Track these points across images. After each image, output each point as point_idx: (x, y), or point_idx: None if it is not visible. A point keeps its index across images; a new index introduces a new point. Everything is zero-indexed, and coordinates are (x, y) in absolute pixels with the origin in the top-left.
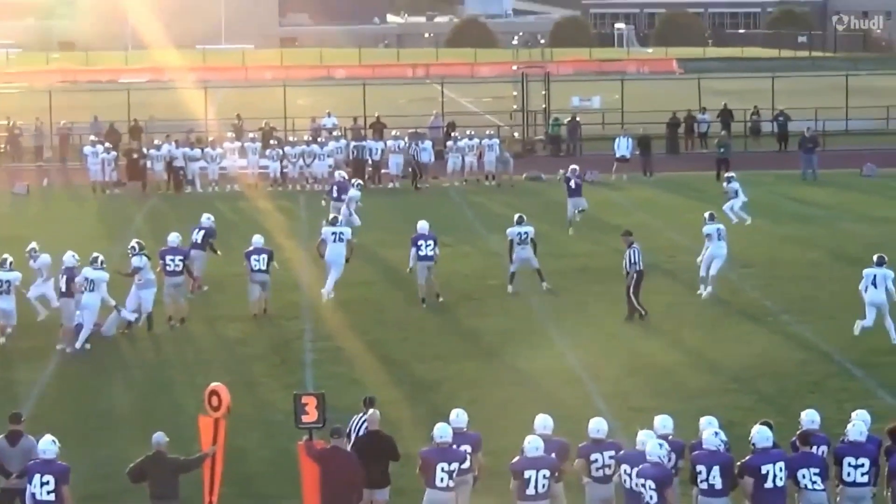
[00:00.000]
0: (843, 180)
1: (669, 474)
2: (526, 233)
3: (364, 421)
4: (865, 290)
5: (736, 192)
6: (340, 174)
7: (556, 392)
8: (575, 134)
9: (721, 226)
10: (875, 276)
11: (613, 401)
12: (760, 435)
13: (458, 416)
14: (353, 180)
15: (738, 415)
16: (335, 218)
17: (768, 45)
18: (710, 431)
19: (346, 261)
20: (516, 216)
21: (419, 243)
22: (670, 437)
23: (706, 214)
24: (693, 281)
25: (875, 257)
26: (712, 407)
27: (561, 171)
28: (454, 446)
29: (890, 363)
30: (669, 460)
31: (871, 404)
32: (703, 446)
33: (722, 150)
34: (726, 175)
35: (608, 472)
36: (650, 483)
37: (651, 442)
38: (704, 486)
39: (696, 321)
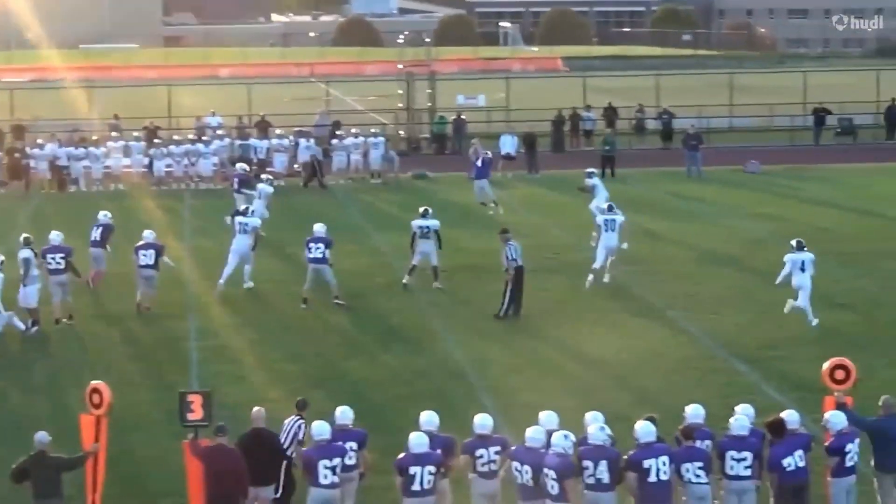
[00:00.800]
0: (727, 177)
1: (571, 466)
2: (429, 227)
3: (297, 424)
4: (790, 275)
5: (598, 188)
6: (242, 167)
7: (443, 388)
8: (460, 132)
9: (615, 217)
10: (802, 261)
11: (499, 397)
12: (644, 430)
13: (343, 413)
14: (264, 176)
15: (624, 410)
16: (246, 209)
17: (653, 43)
18: (595, 426)
19: (251, 250)
20: (421, 209)
21: (309, 245)
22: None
23: (605, 206)
24: (576, 277)
25: (794, 242)
26: (598, 402)
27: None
28: (340, 443)
29: (773, 357)
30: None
31: (755, 399)
32: (590, 441)
33: (607, 147)
34: (587, 171)
35: (493, 467)
36: (552, 474)
37: (556, 433)
38: (591, 480)
39: (581, 317)
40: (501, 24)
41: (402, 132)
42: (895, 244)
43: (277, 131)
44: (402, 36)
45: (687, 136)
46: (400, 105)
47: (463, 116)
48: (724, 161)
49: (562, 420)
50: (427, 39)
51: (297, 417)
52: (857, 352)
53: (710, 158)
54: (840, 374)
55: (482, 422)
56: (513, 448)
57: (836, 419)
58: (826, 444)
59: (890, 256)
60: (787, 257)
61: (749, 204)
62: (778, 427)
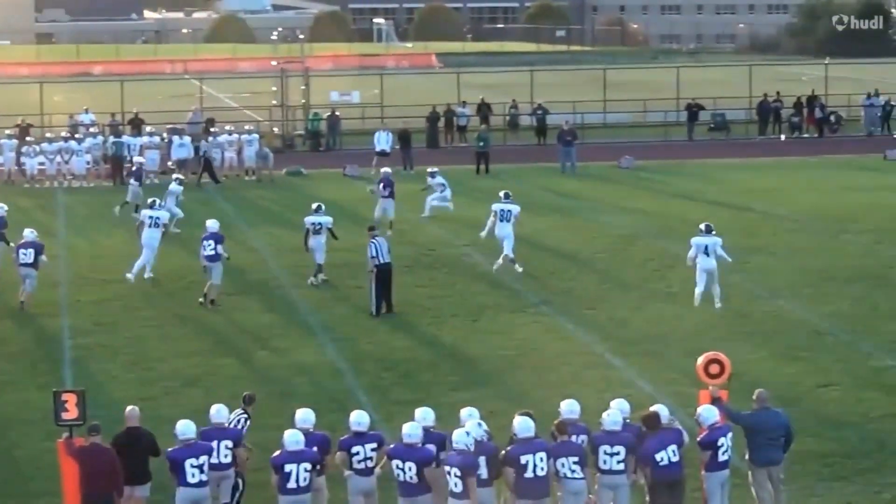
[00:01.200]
0: (601, 173)
1: (475, 463)
2: (321, 223)
3: (241, 417)
4: (695, 259)
5: (443, 186)
6: (139, 161)
7: (318, 385)
8: (335, 129)
9: (509, 206)
10: (706, 245)
11: (374, 394)
12: (522, 425)
13: (218, 412)
14: (174, 175)
15: (500, 405)
16: (154, 201)
17: (527, 39)
18: (472, 423)
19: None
20: (314, 205)
21: (203, 243)
22: (432, 430)
23: (502, 194)
24: (452, 273)
25: (703, 226)
26: (473, 398)
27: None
28: (209, 441)
29: (648, 352)
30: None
31: (631, 393)
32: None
33: (481, 143)
34: (430, 170)
35: (370, 464)
36: (455, 471)
37: (457, 431)
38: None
39: (455, 314)
40: (375, 20)
41: (276, 129)
42: (767, 239)
43: (148, 129)
44: (275, 32)
45: (561, 131)
46: (274, 102)
47: (337, 113)
48: (599, 157)
49: (437, 416)
50: (301, 36)
51: (242, 412)
52: (731, 346)
53: (584, 154)
54: (715, 369)
55: (358, 419)
56: (391, 446)
57: (708, 413)
58: (699, 438)
59: (762, 251)
60: (693, 240)
61: (623, 199)
62: (652, 421)
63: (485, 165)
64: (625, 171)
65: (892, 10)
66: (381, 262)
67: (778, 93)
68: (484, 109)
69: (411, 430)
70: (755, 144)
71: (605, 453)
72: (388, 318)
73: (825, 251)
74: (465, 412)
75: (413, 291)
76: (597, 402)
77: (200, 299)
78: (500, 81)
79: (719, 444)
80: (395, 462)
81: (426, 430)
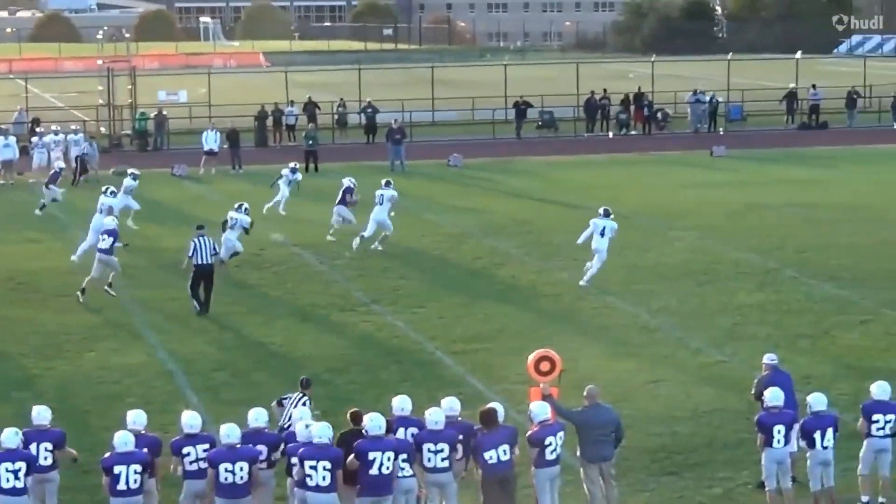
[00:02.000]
0: (430, 171)
1: (340, 455)
2: (237, 220)
3: (304, 400)
4: (590, 238)
5: (289, 182)
6: (59, 165)
7: (148, 386)
8: (162, 128)
9: (386, 192)
10: (604, 227)
11: (205, 394)
12: (372, 423)
13: (40, 413)
14: (129, 170)
15: (331, 405)
16: (106, 188)
17: (354, 38)
18: (301, 425)
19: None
20: (237, 204)
21: (100, 237)
22: (266, 431)
23: (383, 182)
24: (282, 273)
25: (601, 210)
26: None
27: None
28: (33, 444)
29: (479, 350)
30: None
31: (462, 391)
32: (299, 439)
33: (311, 142)
34: (290, 166)
35: (203, 465)
36: (324, 464)
37: (317, 425)
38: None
39: (287, 313)
40: (202, 19)
41: (103, 129)
42: None
43: None
44: (101, 32)
45: (390, 129)
46: (101, 101)
47: (165, 112)
48: (427, 155)
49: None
50: (127, 35)
51: (301, 394)
52: (562, 343)
53: (413, 152)
54: (545, 366)
55: (189, 420)
56: (213, 450)
57: (538, 410)
58: (528, 434)
59: (588, 247)
60: (592, 221)
61: (452, 197)
62: (487, 418)
63: (314, 164)
64: (454, 170)
65: (717, 8)
66: (200, 262)
67: (605, 90)
68: (311, 108)
69: (228, 432)
70: (583, 142)
71: (429, 451)
72: (218, 318)
73: (654, 248)
74: (296, 413)
75: (243, 291)
76: (427, 400)
77: (107, 288)
78: (327, 80)
79: (547, 442)
80: (224, 465)
81: (257, 430)
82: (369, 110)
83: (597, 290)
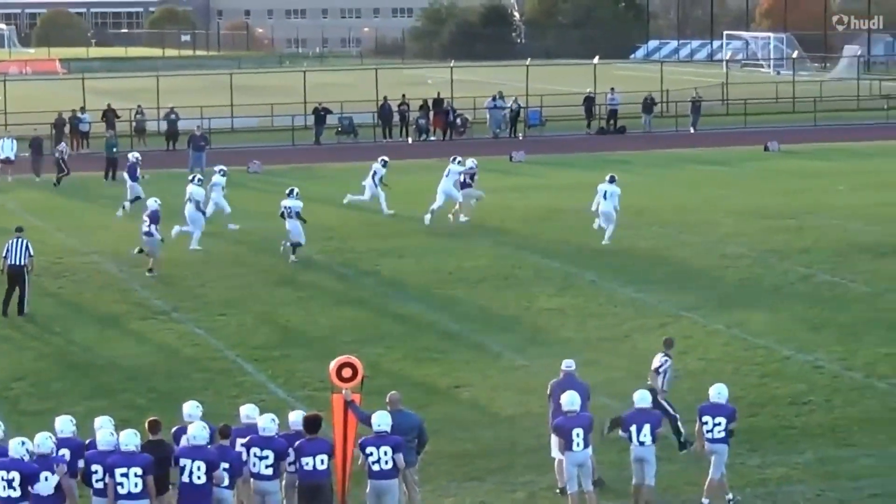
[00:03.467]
0: (231, 178)
1: (150, 461)
2: (291, 207)
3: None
4: (598, 203)
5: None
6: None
7: None
8: None
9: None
10: (606, 191)
11: (3, 405)
12: (195, 433)
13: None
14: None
15: (129, 414)
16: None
17: (152, 44)
18: (105, 431)
19: None
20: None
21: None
22: (75, 436)
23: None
24: (81, 282)
25: (608, 177)
26: (105, 407)
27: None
28: None
29: (280, 357)
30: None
31: (264, 398)
32: (100, 447)
33: (115, 150)
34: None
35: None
36: (135, 470)
37: (124, 433)
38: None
39: (88, 322)
40: None
41: None
42: (398, 241)
43: None
44: None
45: (193, 136)
46: None
47: None
48: (228, 162)
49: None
50: None
51: (664, 356)
52: (364, 348)
53: (212, 159)
54: (347, 372)
55: None
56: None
57: (378, 419)
58: (359, 442)
59: (393, 253)
60: (599, 187)
61: (253, 204)
62: (312, 424)
63: (113, 172)
64: (253, 176)
65: (515, 14)
66: (13, 262)
67: (404, 95)
68: (110, 115)
69: (41, 441)
70: (382, 148)
71: (255, 456)
72: (19, 327)
73: (455, 253)
74: (98, 421)
75: (42, 300)
76: (230, 407)
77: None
78: (125, 87)
79: (368, 451)
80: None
81: (62, 438)
82: (172, 116)
83: (399, 296)
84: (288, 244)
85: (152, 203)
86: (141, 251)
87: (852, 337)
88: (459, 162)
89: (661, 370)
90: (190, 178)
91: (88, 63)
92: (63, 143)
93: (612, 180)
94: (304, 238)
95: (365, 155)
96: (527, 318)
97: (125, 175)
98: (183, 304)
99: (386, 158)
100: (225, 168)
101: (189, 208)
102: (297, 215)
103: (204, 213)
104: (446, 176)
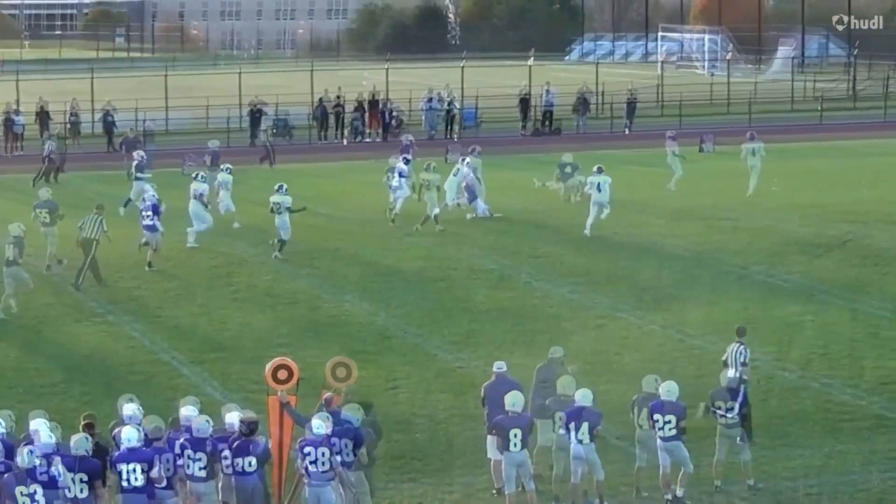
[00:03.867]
0: (166, 179)
1: (99, 467)
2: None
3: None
4: (591, 192)
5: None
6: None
7: None
8: None
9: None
10: (598, 182)
11: None
12: (127, 435)
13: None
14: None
15: (69, 416)
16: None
17: (86, 44)
18: (44, 433)
19: None
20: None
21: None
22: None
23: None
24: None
25: (596, 168)
26: (43, 407)
27: None
28: None
29: (216, 358)
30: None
31: (201, 399)
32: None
33: (61, 151)
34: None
35: None
36: (81, 476)
37: (75, 437)
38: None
39: (20, 324)
40: None
41: None
42: (333, 241)
43: None
44: None
45: (126, 138)
46: None
47: None
48: (163, 163)
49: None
50: None
51: (739, 343)
52: (299, 350)
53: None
54: (283, 374)
55: None
56: None
57: (315, 422)
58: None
59: (328, 254)
60: (589, 178)
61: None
62: (248, 428)
63: (55, 174)
64: (188, 178)
65: (450, 14)
66: (86, 236)
67: (339, 97)
68: (43, 116)
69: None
70: (318, 148)
71: (189, 458)
72: None
73: (390, 253)
74: (33, 423)
75: None
76: (167, 409)
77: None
78: (60, 87)
79: (306, 451)
80: None
81: None
82: (110, 117)
83: (334, 296)
84: (275, 241)
85: (150, 196)
86: (146, 244)
87: (787, 336)
88: (470, 159)
89: (735, 358)
90: (193, 175)
91: (22, 64)
92: None
93: (599, 171)
94: (289, 234)
95: (301, 155)
96: (462, 318)
97: (132, 172)
98: (118, 305)
99: (230, 166)
100: (230, 166)
101: (193, 205)
102: (287, 210)
103: (206, 206)
104: (454, 175)
